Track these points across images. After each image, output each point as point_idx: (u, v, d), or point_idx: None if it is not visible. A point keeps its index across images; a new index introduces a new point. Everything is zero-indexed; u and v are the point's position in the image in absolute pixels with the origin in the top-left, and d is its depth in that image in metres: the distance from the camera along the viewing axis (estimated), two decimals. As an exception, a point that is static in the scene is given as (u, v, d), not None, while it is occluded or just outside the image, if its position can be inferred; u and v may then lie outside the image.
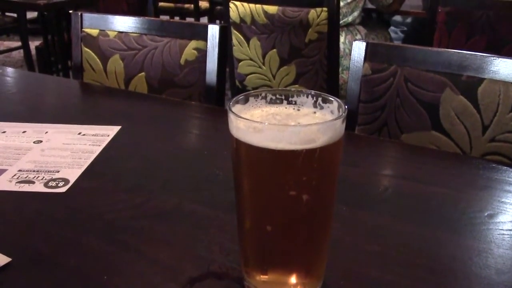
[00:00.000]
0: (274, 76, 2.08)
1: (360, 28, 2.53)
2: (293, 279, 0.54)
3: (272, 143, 0.47)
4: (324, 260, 0.56)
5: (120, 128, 0.98)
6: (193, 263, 0.61)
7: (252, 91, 0.55)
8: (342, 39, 2.37)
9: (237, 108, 0.53)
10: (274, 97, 0.55)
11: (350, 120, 1.17)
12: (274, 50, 2.03)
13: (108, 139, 0.93)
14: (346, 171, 0.81)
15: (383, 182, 0.85)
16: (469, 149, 1.06)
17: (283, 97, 0.55)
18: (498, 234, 0.67)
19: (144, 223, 0.69)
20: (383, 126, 1.15)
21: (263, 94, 0.55)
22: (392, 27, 3.35)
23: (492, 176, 0.84)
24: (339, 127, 0.50)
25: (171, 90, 1.37)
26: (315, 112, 0.54)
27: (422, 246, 0.65)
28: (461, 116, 1.06)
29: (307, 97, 0.55)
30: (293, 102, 0.55)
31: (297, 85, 2.06)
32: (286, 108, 0.55)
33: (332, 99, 0.53)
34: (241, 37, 2.07)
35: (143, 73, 1.39)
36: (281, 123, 0.52)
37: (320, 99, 0.54)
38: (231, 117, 0.50)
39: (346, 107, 0.51)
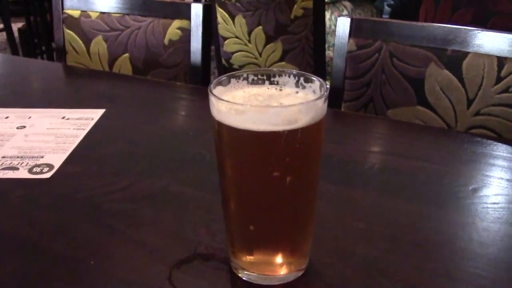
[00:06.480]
0: (260, 54, 2.06)
1: (346, 3, 2.51)
2: (279, 259, 0.55)
3: (254, 125, 0.47)
4: (310, 239, 0.56)
5: (104, 111, 0.97)
6: (180, 245, 0.61)
7: (234, 72, 0.54)
8: (328, 15, 2.35)
9: (218, 90, 0.53)
10: (256, 78, 0.55)
11: (336, 97, 1.16)
12: (260, 27, 2.01)
13: (92, 122, 0.93)
14: (332, 149, 0.81)
15: (369, 158, 0.85)
16: (454, 123, 1.06)
17: (265, 77, 0.55)
18: (482, 208, 0.68)
19: (131, 206, 0.69)
20: (369, 102, 1.15)
21: (245, 75, 0.54)
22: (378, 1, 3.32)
23: (476, 150, 0.85)
24: (321, 107, 0.49)
25: (156, 70, 1.35)
26: (297, 92, 0.54)
27: (407, 221, 0.66)
28: (446, 90, 1.06)
29: (289, 77, 0.54)
30: (275, 82, 0.55)
31: (283, 62, 2.05)
32: (268, 88, 0.55)
33: (314, 79, 0.53)
34: (226, 15, 2.05)
35: (127, 54, 1.37)
36: (263, 104, 0.52)
37: (302, 78, 0.54)
38: (212, 99, 0.50)
39: (327, 86, 0.51)
